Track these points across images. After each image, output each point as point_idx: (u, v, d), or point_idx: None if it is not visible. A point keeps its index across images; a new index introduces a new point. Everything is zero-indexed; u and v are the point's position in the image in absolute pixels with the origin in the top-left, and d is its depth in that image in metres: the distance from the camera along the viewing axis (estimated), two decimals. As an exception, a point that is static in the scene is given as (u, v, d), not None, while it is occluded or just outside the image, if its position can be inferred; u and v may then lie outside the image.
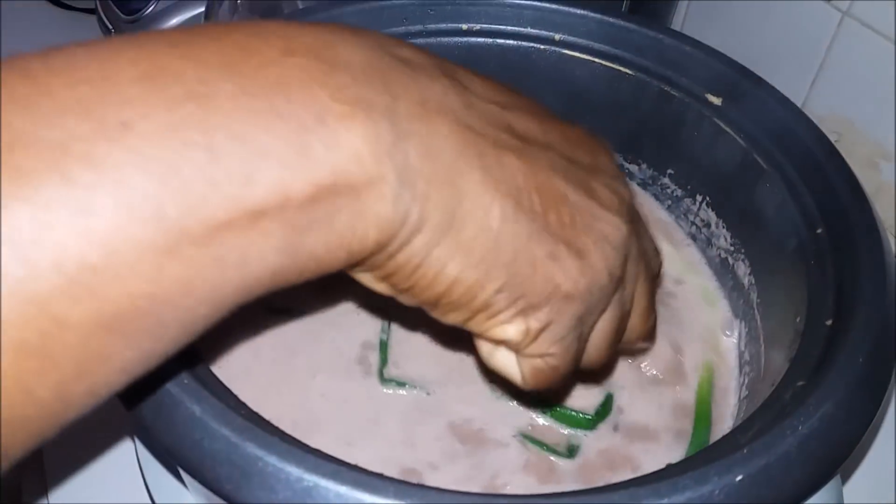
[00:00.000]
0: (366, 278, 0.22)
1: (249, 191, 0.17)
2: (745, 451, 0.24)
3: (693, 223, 0.42)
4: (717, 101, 0.38)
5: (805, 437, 0.24)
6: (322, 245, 0.19)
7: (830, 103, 0.51)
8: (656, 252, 0.28)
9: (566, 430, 0.34)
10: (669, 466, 0.25)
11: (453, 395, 0.35)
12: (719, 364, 0.37)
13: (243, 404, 0.25)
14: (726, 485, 0.23)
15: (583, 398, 0.35)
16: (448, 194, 0.20)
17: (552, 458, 0.33)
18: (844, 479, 0.37)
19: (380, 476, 0.24)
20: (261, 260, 0.18)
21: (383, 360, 0.36)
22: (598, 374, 0.35)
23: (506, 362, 0.25)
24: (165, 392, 0.24)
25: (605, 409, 0.35)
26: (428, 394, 0.35)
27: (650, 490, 0.23)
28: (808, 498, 0.25)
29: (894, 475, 0.38)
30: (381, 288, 0.22)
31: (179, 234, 0.16)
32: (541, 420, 0.34)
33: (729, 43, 0.52)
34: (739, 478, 0.23)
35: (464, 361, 0.36)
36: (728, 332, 0.38)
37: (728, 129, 0.38)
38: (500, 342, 0.24)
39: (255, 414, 0.25)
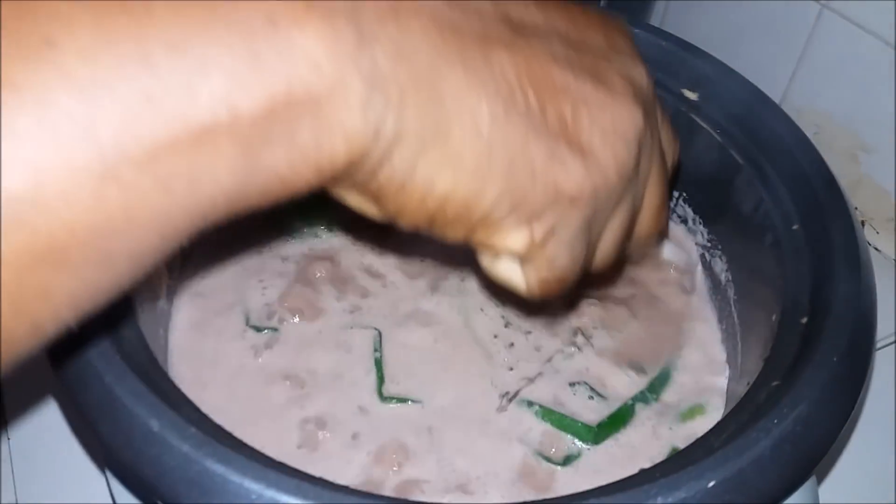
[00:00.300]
0: (354, 200, 0.20)
1: (193, 106, 0.15)
2: (717, 454, 0.23)
3: (670, 220, 0.42)
4: (693, 96, 0.38)
5: (779, 440, 0.24)
6: (283, 162, 0.17)
7: (810, 96, 0.51)
8: (673, 140, 0.26)
9: (569, 438, 0.33)
10: (641, 472, 0.25)
11: (452, 405, 0.34)
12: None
13: (205, 416, 0.25)
14: (698, 490, 0.23)
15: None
16: (427, 99, 0.18)
17: (545, 464, 0.32)
18: (821, 478, 0.37)
19: (345, 489, 0.23)
20: (213, 182, 0.16)
21: (380, 378, 0.35)
22: (601, 277, 0.33)
23: (509, 272, 0.23)
24: (121, 405, 0.23)
25: (613, 422, 0.33)
26: (424, 406, 0.34)
27: (619, 498, 0.22)
28: (784, 500, 0.25)
29: (871, 474, 0.38)
30: (372, 211, 0.21)
31: (116, 157, 0.15)
32: (543, 426, 0.33)
33: (709, 36, 0.52)
34: (712, 483, 0.23)
35: (461, 367, 0.36)
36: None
37: (704, 125, 0.37)
38: (503, 253, 0.22)
39: (217, 427, 0.24)
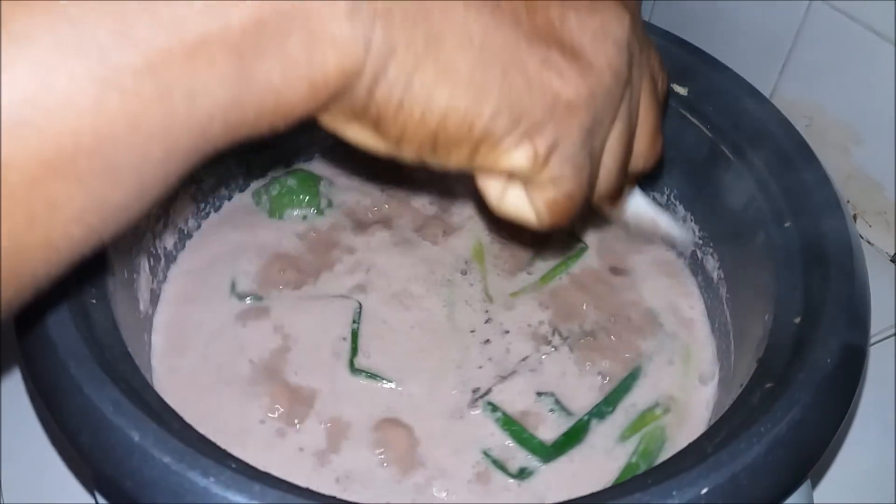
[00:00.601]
0: (357, 133, 0.20)
1: (187, 13, 0.16)
2: (710, 460, 0.23)
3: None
4: (683, 91, 0.37)
5: (772, 445, 0.24)
6: (277, 75, 0.17)
7: (800, 88, 0.51)
8: (661, 66, 0.25)
9: (526, 452, 0.33)
10: (635, 478, 0.25)
11: (423, 393, 0.34)
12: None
13: (187, 426, 0.24)
14: (692, 497, 0.22)
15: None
16: (414, 9, 0.18)
17: (500, 474, 0.32)
18: (817, 480, 0.37)
19: (332, 499, 0.23)
20: (209, 94, 0.17)
21: (353, 350, 0.35)
22: (609, 210, 0.30)
23: (518, 203, 0.23)
24: (101, 416, 0.22)
25: (567, 440, 0.33)
26: (396, 387, 0.34)
27: (611, 507, 0.22)
28: (777, 504, 0.24)
29: (868, 473, 0.37)
30: (375, 144, 0.21)
31: (118, 64, 0.16)
32: (505, 440, 0.33)
33: (699, 29, 0.51)
34: (705, 490, 0.23)
35: (437, 356, 0.35)
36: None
37: (694, 120, 0.37)
38: (509, 174, 0.22)
39: (200, 437, 0.24)
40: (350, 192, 0.42)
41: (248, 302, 0.37)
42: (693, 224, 0.39)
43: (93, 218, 0.17)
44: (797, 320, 0.28)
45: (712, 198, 0.37)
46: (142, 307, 0.34)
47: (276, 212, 0.41)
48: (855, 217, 0.50)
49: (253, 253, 0.39)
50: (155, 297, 0.36)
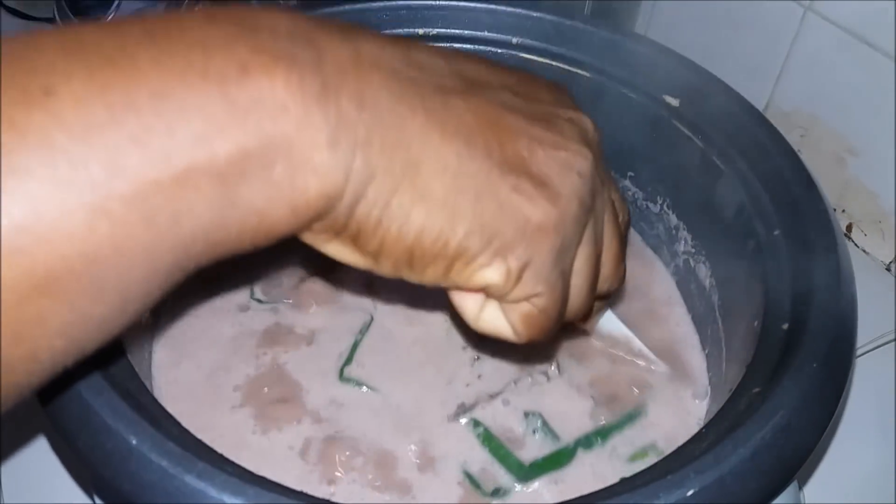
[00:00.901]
0: (336, 250, 0.22)
1: (174, 148, 0.17)
2: (696, 463, 0.23)
3: (654, 225, 0.42)
4: (674, 102, 0.38)
5: (758, 448, 0.24)
6: (260, 199, 0.19)
7: (796, 99, 0.51)
8: (623, 201, 0.28)
9: (504, 470, 0.32)
10: (623, 480, 0.25)
11: (409, 404, 0.35)
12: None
13: (185, 431, 0.25)
14: (678, 499, 0.23)
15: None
16: (393, 139, 0.20)
17: (475, 491, 0.32)
18: (805, 480, 0.37)
19: (326, 502, 0.23)
20: (194, 217, 0.18)
21: (348, 359, 0.36)
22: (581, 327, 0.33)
23: (494, 320, 0.24)
24: (100, 421, 0.23)
25: (546, 463, 0.32)
26: (382, 398, 0.35)
27: (598, 509, 0.22)
28: (764, 507, 0.25)
29: (855, 474, 0.38)
30: (353, 259, 0.22)
31: (106, 194, 0.17)
32: (485, 457, 0.33)
33: (694, 40, 0.52)
34: (691, 492, 0.23)
35: (430, 371, 0.36)
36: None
37: (686, 131, 0.37)
38: (484, 291, 0.23)
39: (197, 441, 0.24)
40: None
41: (264, 305, 0.38)
42: (685, 233, 0.39)
43: (76, 332, 0.18)
44: (785, 326, 0.29)
45: (704, 207, 0.37)
46: (143, 317, 0.35)
47: None
48: (850, 226, 0.51)
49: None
50: (157, 308, 0.37)
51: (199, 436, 0.25)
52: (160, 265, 0.18)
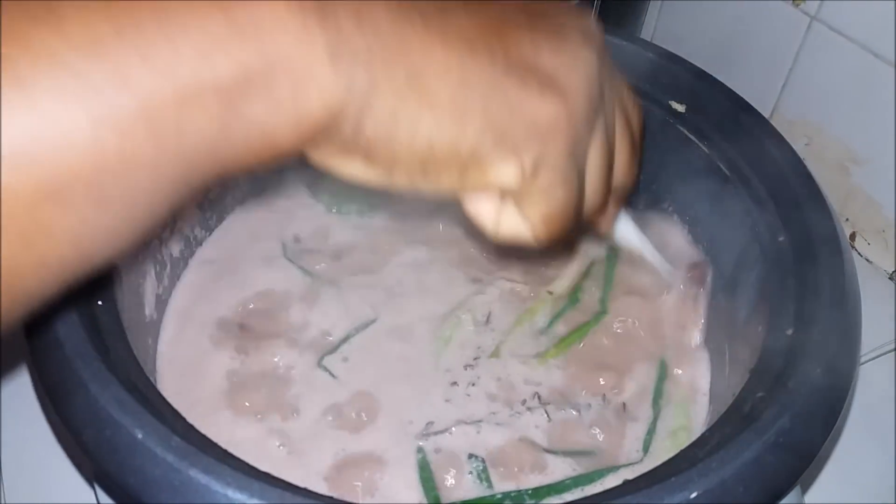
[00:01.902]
0: (350, 167, 0.22)
1: (179, 62, 0.18)
2: (699, 466, 0.24)
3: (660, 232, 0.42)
4: (680, 108, 0.38)
5: (761, 452, 0.24)
6: (264, 115, 0.19)
7: (800, 108, 0.51)
8: (634, 100, 0.27)
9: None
10: (625, 483, 0.25)
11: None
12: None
13: (190, 426, 0.25)
14: (681, 502, 0.23)
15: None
16: (394, 51, 0.20)
17: None
18: (808, 485, 0.37)
19: (330, 499, 0.23)
20: (198, 131, 0.18)
21: (333, 349, 0.37)
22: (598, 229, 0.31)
23: (513, 223, 0.24)
24: (106, 415, 0.23)
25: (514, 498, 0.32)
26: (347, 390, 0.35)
27: (602, 509, 0.22)
28: (767, 512, 0.25)
29: (858, 479, 0.38)
30: (368, 175, 0.22)
31: (113, 107, 0.17)
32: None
33: (700, 48, 0.52)
34: (694, 494, 0.23)
35: (409, 385, 0.36)
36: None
37: (692, 136, 0.37)
38: (500, 192, 0.23)
39: (202, 436, 0.24)
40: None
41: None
42: (691, 238, 0.39)
43: (84, 241, 0.18)
44: (789, 332, 0.29)
45: (710, 212, 0.37)
46: (147, 311, 0.35)
47: (333, 205, 0.43)
48: (854, 235, 0.51)
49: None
50: (161, 303, 0.37)
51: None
52: (166, 178, 0.18)
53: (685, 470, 0.23)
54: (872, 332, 0.37)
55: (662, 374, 0.37)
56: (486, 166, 0.22)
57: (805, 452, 0.25)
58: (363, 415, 0.34)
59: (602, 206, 0.26)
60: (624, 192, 0.28)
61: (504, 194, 0.23)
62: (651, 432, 0.35)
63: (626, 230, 0.34)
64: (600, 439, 0.34)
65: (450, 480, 0.32)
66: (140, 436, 0.23)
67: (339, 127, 0.20)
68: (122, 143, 0.17)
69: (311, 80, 0.19)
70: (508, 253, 0.40)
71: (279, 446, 0.33)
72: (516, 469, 0.33)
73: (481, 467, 0.33)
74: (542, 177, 0.22)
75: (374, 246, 0.41)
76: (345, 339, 0.37)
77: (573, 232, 0.25)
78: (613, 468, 0.33)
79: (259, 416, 0.34)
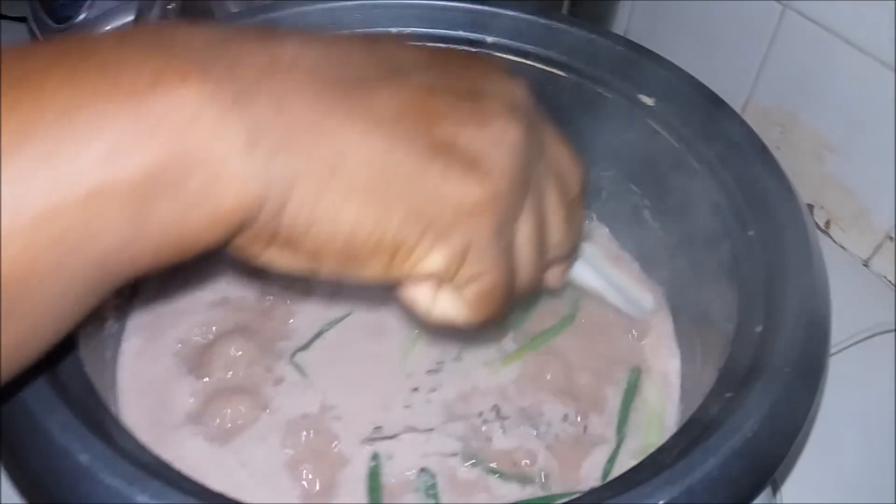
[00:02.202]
0: (273, 258, 0.21)
1: (82, 166, 0.17)
2: (666, 473, 0.23)
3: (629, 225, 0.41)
4: (649, 101, 0.37)
5: (728, 456, 0.24)
6: (176, 214, 0.18)
7: (775, 96, 0.51)
8: (572, 163, 0.27)
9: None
10: (590, 490, 0.25)
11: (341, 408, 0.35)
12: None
13: (142, 448, 0.24)
14: (647, 511, 0.22)
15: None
16: (315, 140, 0.20)
17: None
18: (782, 480, 0.37)
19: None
20: (106, 235, 0.18)
21: (305, 346, 0.36)
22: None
23: (446, 307, 0.24)
24: (49, 438, 0.22)
25: None
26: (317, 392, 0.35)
27: (564, 522, 0.22)
28: (737, 516, 0.24)
29: (832, 473, 0.37)
30: (292, 264, 0.21)
31: (15, 215, 0.17)
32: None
33: (674, 39, 0.52)
34: (662, 503, 0.23)
35: (373, 388, 0.35)
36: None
37: (661, 130, 0.37)
38: (430, 280, 0.23)
39: (155, 458, 0.24)
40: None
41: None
42: (661, 232, 0.39)
43: None
44: (758, 329, 0.28)
45: (680, 206, 0.37)
46: (106, 328, 0.34)
47: None
48: (829, 223, 0.50)
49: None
50: (122, 315, 0.36)
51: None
52: (73, 284, 0.18)
53: (651, 477, 0.23)
54: (847, 319, 0.36)
55: (633, 382, 0.36)
56: (412, 254, 0.22)
57: (773, 455, 0.24)
58: (327, 419, 0.34)
59: (537, 278, 0.26)
60: (568, 251, 0.27)
61: (434, 279, 0.23)
62: (612, 460, 0.33)
63: (584, 277, 0.34)
64: (553, 465, 0.33)
65: (401, 491, 0.32)
66: (86, 461, 0.22)
67: (259, 219, 0.20)
68: (27, 252, 0.17)
69: (225, 175, 0.18)
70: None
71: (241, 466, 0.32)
72: (461, 491, 0.32)
73: (431, 483, 0.32)
74: (472, 260, 0.22)
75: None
76: (318, 335, 0.37)
77: (508, 310, 0.24)
78: (563, 495, 0.32)
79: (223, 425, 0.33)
